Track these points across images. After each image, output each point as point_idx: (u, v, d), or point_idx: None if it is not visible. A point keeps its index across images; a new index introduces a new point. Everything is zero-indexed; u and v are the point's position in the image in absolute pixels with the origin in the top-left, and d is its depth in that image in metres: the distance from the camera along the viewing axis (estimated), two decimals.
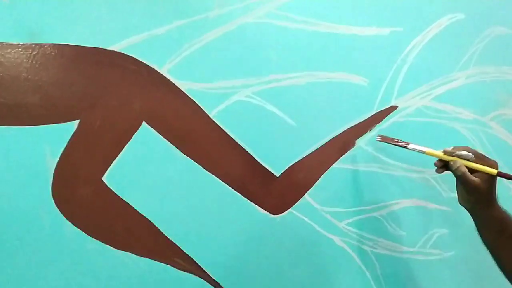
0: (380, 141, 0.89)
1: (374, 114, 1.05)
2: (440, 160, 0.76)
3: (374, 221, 1.05)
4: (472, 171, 0.72)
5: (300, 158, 0.94)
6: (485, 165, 0.72)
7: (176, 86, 0.82)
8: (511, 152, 1.24)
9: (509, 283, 0.73)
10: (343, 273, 1.00)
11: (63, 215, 0.71)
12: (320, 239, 0.97)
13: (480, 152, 0.75)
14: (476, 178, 0.71)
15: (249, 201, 0.89)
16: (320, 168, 0.97)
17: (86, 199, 0.72)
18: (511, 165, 1.15)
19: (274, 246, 0.92)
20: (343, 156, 0.99)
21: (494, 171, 0.71)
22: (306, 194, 0.95)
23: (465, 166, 0.71)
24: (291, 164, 0.94)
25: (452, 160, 0.74)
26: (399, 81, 1.08)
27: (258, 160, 0.90)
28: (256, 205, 0.90)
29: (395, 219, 1.07)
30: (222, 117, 0.87)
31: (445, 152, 0.75)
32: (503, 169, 0.80)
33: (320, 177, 0.97)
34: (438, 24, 1.12)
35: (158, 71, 0.78)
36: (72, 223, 0.73)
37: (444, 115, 1.13)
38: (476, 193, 0.72)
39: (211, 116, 0.86)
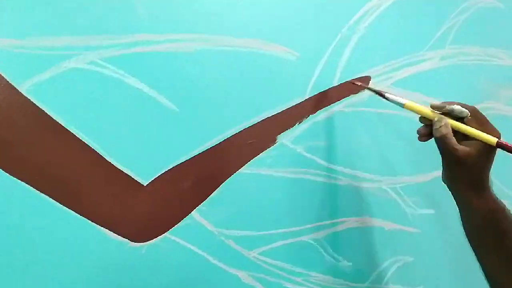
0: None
1: (307, 100, 0.67)
2: (424, 119, 0.52)
3: (305, 247, 0.67)
4: (463, 138, 0.49)
5: (184, 158, 0.57)
6: (483, 132, 0.47)
7: None
8: (503, 159, 0.84)
9: None
10: None
11: None
12: (217, 276, 0.59)
13: (483, 115, 0.50)
14: (463, 146, 0.48)
15: (94, 223, 0.52)
16: (218, 173, 0.60)
17: None
18: (498, 173, 0.75)
19: None
20: (256, 157, 0.58)
21: (493, 139, 0.47)
22: (194, 210, 0.58)
23: (454, 128, 0.49)
24: (169, 167, 0.56)
25: (437, 118, 0.50)
26: (344, 57, 0.71)
27: (110, 160, 0.54)
28: (107, 229, 0.53)
29: (336, 244, 0.70)
30: (44, 94, 0.50)
31: (433, 107, 0.51)
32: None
33: (218, 186, 0.59)
34: None
35: None
36: None
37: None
38: (460, 168, 0.49)
39: (22, 92, 0.49)
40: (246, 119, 0.59)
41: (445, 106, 0.49)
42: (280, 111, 0.62)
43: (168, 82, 0.54)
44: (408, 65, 0.74)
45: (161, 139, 0.55)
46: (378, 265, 0.72)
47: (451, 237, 0.78)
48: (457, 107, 0.49)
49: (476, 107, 0.50)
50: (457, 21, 0.81)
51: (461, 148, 0.47)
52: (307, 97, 0.64)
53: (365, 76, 0.72)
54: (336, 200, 0.66)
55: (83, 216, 0.50)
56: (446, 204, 0.73)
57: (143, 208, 0.53)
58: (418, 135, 0.53)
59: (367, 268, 0.71)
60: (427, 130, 0.51)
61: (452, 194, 0.52)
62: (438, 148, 0.50)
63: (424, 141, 0.53)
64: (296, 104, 0.63)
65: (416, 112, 0.53)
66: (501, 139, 0.49)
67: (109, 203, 0.50)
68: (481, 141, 0.47)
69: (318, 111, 0.65)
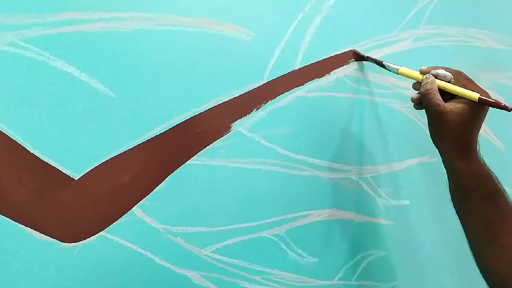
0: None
1: (265, 84, 0.61)
2: (417, 83, 0.54)
3: (265, 243, 0.61)
4: (451, 98, 0.49)
5: (123, 150, 0.51)
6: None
7: None
8: (482, 146, 0.78)
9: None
10: None
11: None
12: (163, 278, 0.54)
13: (468, 76, 0.51)
14: (447, 103, 0.48)
15: (17, 223, 0.46)
16: (163, 165, 0.54)
17: None
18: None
19: None
20: (207, 147, 0.52)
21: (475, 95, 0.47)
22: (135, 206, 0.52)
23: (440, 88, 0.50)
24: (106, 159, 0.51)
25: (425, 76, 0.52)
26: (306, 38, 0.65)
27: (35, 153, 0.48)
28: (32, 229, 0.47)
29: (300, 240, 0.64)
30: None
31: (421, 71, 0.54)
32: None
33: (162, 179, 0.54)
34: None
35: None
36: None
37: (380, 91, 0.71)
38: (443, 125, 0.48)
39: None
40: (195, 105, 0.52)
41: (431, 70, 0.52)
42: (234, 97, 0.55)
43: (102, 65, 0.48)
44: (378, 46, 0.68)
45: (95, 128, 0.50)
46: (347, 260, 0.67)
47: (426, 229, 0.72)
48: (441, 71, 0.51)
49: (460, 70, 0.51)
50: None
51: (444, 104, 0.48)
52: (265, 81, 0.57)
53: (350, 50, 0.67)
54: (299, 193, 0.61)
55: (2, 215, 0.45)
56: (422, 194, 0.68)
57: (74, 205, 0.46)
58: (412, 104, 0.55)
59: (334, 264, 0.66)
60: (419, 96, 0.52)
61: (441, 156, 0.51)
62: (423, 105, 0.51)
63: (418, 109, 0.54)
64: (252, 89, 0.56)
65: (409, 76, 0.56)
66: (483, 97, 0.47)
67: (34, 200, 0.44)
68: (464, 98, 0.48)
69: (277, 97, 0.58)
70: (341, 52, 0.64)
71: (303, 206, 0.63)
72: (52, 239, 0.47)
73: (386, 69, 0.61)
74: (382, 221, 0.70)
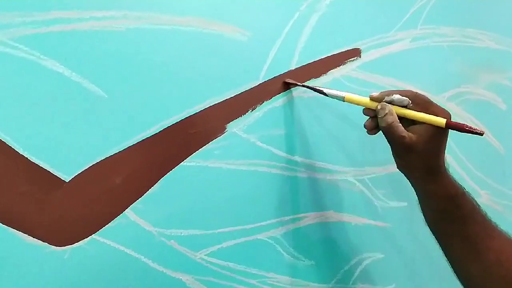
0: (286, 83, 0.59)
1: (261, 85, 0.61)
2: (368, 109, 0.49)
3: (260, 247, 0.60)
4: (410, 123, 0.46)
5: (115, 151, 0.49)
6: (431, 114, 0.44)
7: None
8: (482, 148, 0.78)
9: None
10: None
11: None
12: (157, 281, 0.53)
13: (426, 97, 0.47)
14: (410, 133, 0.45)
15: (5, 226, 0.45)
16: (156, 167, 0.53)
17: None
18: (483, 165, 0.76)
19: None
20: (201, 148, 0.50)
21: (441, 120, 0.44)
22: (128, 209, 0.51)
23: (399, 115, 0.46)
24: (97, 160, 0.50)
25: (380, 106, 0.46)
26: (302, 38, 0.64)
27: (25, 154, 0.46)
28: (21, 232, 0.46)
29: (296, 242, 0.63)
30: None
31: (372, 99, 0.48)
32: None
33: (156, 181, 0.53)
34: None
35: None
36: None
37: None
38: (411, 155, 0.46)
39: None
40: (189, 106, 0.51)
41: (384, 96, 0.46)
42: (230, 97, 0.54)
43: (94, 65, 0.46)
44: (375, 46, 0.67)
45: (87, 129, 0.48)
46: (344, 263, 0.65)
47: (425, 231, 0.70)
48: (396, 97, 0.46)
49: (416, 91, 0.47)
50: None
51: (409, 135, 0.45)
52: (260, 82, 0.56)
53: (355, 49, 0.67)
54: (296, 194, 0.59)
55: None
56: None
57: (65, 207, 0.45)
58: (366, 130, 0.49)
59: (331, 267, 0.65)
60: (374, 122, 0.48)
61: (409, 181, 0.49)
62: (386, 138, 0.47)
63: (373, 134, 0.50)
64: (248, 90, 0.55)
65: (358, 104, 0.50)
66: (450, 120, 0.45)
67: (23, 202, 0.43)
68: (429, 124, 0.44)
69: (273, 97, 0.56)
70: (337, 52, 0.63)
71: (299, 208, 0.62)
72: (42, 242, 0.46)
73: (329, 97, 0.54)
74: (380, 223, 0.68)
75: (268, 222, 0.58)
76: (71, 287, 0.47)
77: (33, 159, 0.45)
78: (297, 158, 0.60)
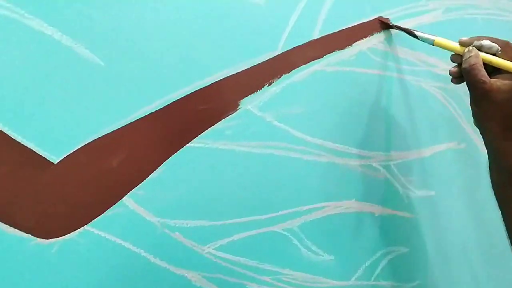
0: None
1: (279, 56, 0.53)
2: (456, 56, 0.49)
3: (275, 240, 0.53)
4: (497, 73, 0.45)
5: (111, 129, 0.44)
6: None
7: None
8: None
9: None
10: None
11: None
12: (158, 279, 0.46)
13: None
14: (494, 79, 0.43)
15: None
16: (159, 148, 0.46)
17: None
18: None
19: None
20: (211, 127, 0.43)
21: None
22: (126, 196, 0.45)
23: (485, 62, 0.45)
24: (91, 139, 0.43)
25: (467, 49, 0.46)
26: (327, 4, 0.56)
27: (4, 130, 0.39)
28: (1, 222, 0.39)
29: (314, 235, 0.56)
30: None
31: (461, 43, 0.48)
32: None
33: (159, 165, 0.46)
34: None
35: None
36: None
37: (407, 68, 0.62)
38: (489, 104, 0.43)
39: None
40: (198, 78, 0.44)
41: (473, 41, 0.47)
42: (244, 69, 0.47)
43: (88, 27, 0.40)
44: (405, 16, 0.60)
45: (79, 103, 0.42)
46: (366, 258, 0.61)
47: (454, 223, 0.64)
48: (486, 42, 0.46)
49: (509, 41, 0.46)
50: None
51: (491, 80, 0.43)
52: (279, 52, 0.48)
53: (384, 18, 0.61)
54: (314, 182, 0.54)
55: None
56: (450, 183, 0.61)
57: (52, 193, 0.38)
58: (450, 77, 0.50)
59: (352, 263, 0.59)
60: (459, 70, 0.48)
61: (482, 137, 0.47)
62: (466, 82, 0.46)
63: (457, 83, 0.49)
64: (264, 61, 0.48)
65: (446, 48, 0.50)
66: None
67: (3, 187, 0.35)
68: None
69: (292, 70, 0.49)
70: (365, 21, 0.56)
71: (318, 197, 0.56)
72: (25, 234, 0.40)
73: (419, 39, 0.54)
74: (406, 214, 0.63)
75: (284, 212, 0.53)
76: (59, 286, 0.41)
77: (15, 135, 0.38)
78: (317, 140, 0.52)
